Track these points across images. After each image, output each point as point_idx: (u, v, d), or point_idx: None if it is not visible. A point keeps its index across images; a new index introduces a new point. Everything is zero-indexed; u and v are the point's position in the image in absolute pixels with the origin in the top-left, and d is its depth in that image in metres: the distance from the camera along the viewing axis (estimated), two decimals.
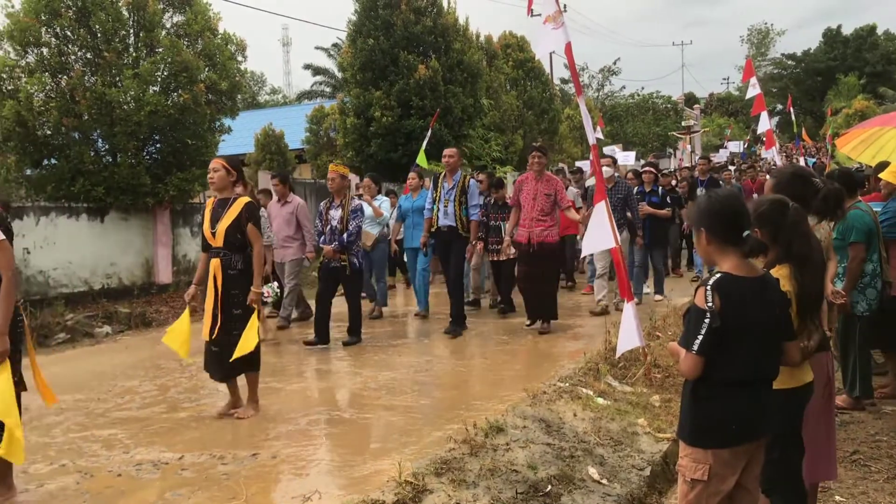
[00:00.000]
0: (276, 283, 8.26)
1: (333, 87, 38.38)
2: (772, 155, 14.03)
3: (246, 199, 5.38)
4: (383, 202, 9.61)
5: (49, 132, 11.89)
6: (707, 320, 2.78)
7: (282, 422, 5.27)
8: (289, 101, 46.26)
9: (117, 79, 11.73)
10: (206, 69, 12.38)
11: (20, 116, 11.35)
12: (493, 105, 20.73)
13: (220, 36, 12.87)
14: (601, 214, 6.43)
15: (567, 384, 5.85)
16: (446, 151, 8.35)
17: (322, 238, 7.81)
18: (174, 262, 12.77)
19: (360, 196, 9.38)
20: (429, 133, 13.70)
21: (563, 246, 8.50)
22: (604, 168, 8.28)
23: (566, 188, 10.92)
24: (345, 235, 7.58)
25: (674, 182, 12.82)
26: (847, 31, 64.33)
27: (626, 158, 15.42)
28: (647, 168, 10.79)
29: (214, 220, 5.31)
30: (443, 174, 8.42)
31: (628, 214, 9.27)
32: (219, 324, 5.20)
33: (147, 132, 12.01)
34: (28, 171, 12.44)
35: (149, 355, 7.81)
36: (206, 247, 5.40)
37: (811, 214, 3.99)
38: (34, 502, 4.00)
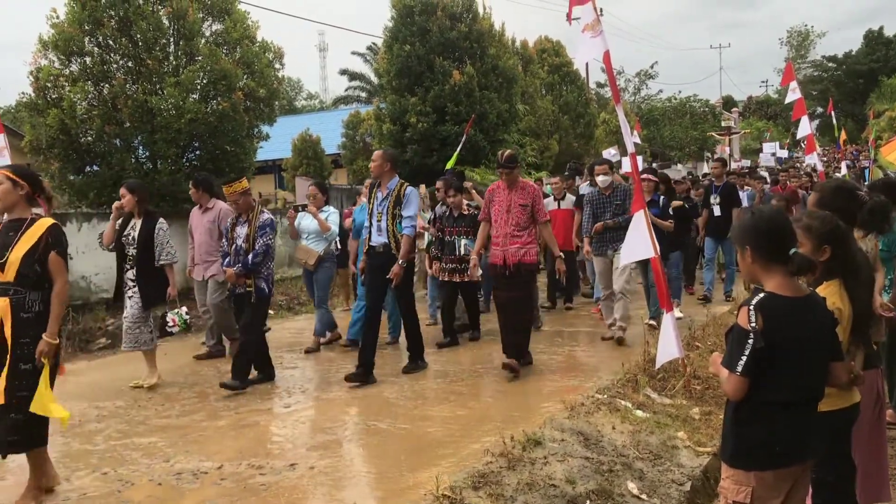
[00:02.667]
0: (183, 309, 6.98)
1: (369, 91, 38.60)
2: (813, 160, 13.79)
3: (49, 221, 4.17)
4: (331, 214, 8.18)
5: (91, 139, 12.15)
6: (750, 341, 2.73)
7: (318, 432, 5.28)
8: (325, 107, 46.62)
9: (158, 87, 11.93)
10: (245, 77, 12.55)
11: (64, 124, 11.60)
12: (529, 110, 20.69)
13: (258, 44, 13.04)
14: (640, 223, 6.36)
15: (605, 396, 5.79)
16: (374, 156, 6.94)
17: (227, 260, 6.79)
18: None
19: (304, 207, 8.21)
20: (463, 138, 13.71)
21: (537, 266, 6.97)
22: (599, 178, 8.06)
23: (562, 194, 10.12)
24: (249, 256, 6.56)
25: (689, 188, 11.79)
26: (889, 32, 63.27)
27: (611, 157, 14.61)
28: (645, 175, 8.99)
29: (3, 249, 4.09)
30: (377, 182, 6.94)
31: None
32: (3, 383, 4.00)
33: (187, 139, 12.19)
34: (71, 178, 12.70)
35: (187, 361, 7.89)
36: None
37: (857, 228, 3.90)
38: None
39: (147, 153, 12.51)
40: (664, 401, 5.98)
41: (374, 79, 31.30)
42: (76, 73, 12.08)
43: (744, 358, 2.73)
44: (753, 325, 2.74)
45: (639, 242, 6.38)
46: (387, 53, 18.00)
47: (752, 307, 2.77)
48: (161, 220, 6.86)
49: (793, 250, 2.84)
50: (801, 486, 2.91)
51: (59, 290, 4.13)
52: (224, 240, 6.96)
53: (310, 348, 8.16)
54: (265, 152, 15.80)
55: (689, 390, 6.19)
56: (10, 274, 4.04)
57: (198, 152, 12.81)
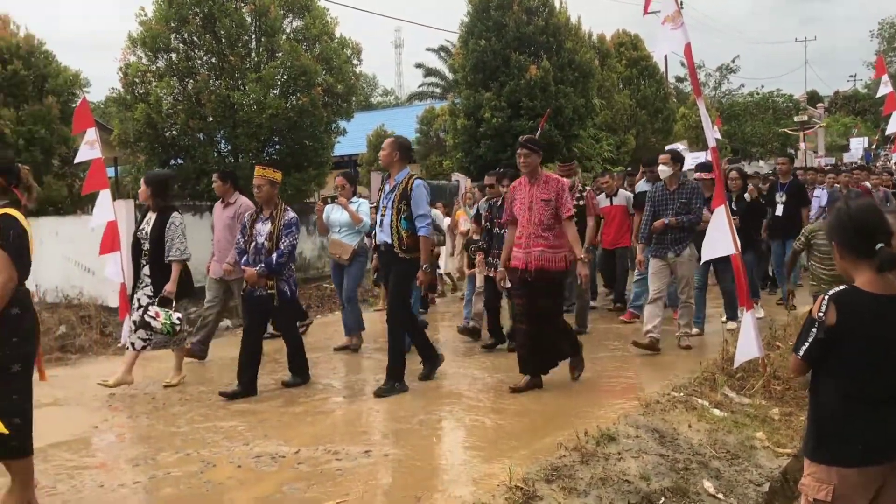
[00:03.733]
0: (176, 315, 6.40)
1: (444, 87, 38.74)
2: None
3: (2, 211, 3.71)
4: (361, 205, 7.78)
5: (176, 133, 12.56)
6: (814, 330, 2.77)
7: (392, 421, 5.36)
8: (400, 103, 47.01)
9: (240, 82, 12.25)
10: (324, 72, 12.76)
11: (150, 118, 12.02)
12: (605, 105, 20.43)
13: (336, 40, 13.25)
14: (721, 219, 6.23)
15: (682, 394, 5.70)
16: (384, 143, 6.36)
17: (245, 258, 6.35)
18: None
19: (333, 199, 7.92)
20: (538, 133, 13.63)
21: (566, 273, 6.23)
22: (660, 167, 7.52)
23: (614, 190, 9.62)
24: (273, 256, 6.15)
25: (761, 185, 10.90)
26: None
27: (696, 158, 13.93)
28: (697, 175, 8.55)
29: None
30: (386, 174, 6.42)
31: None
32: None
33: (267, 134, 12.48)
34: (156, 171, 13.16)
35: (267, 350, 8.07)
36: None
37: None
38: (162, 488, 4.21)
39: (229, 147, 12.85)
40: (742, 400, 5.86)
41: (449, 75, 31.40)
42: (162, 69, 12.50)
43: (806, 344, 2.80)
44: (822, 315, 2.75)
45: (720, 239, 6.26)
46: (462, 49, 18.02)
47: (827, 298, 2.77)
48: (175, 214, 6.55)
49: (879, 245, 2.75)
50: (890, 488, 2.81)
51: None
52: (241, 235, 6.49)
53: (343, 346, 7.89)
54: (342, 147, 16.04)
55: (769, 391, 6.05)
56: None
57: (277, 147, 13.10)
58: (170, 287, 6.37)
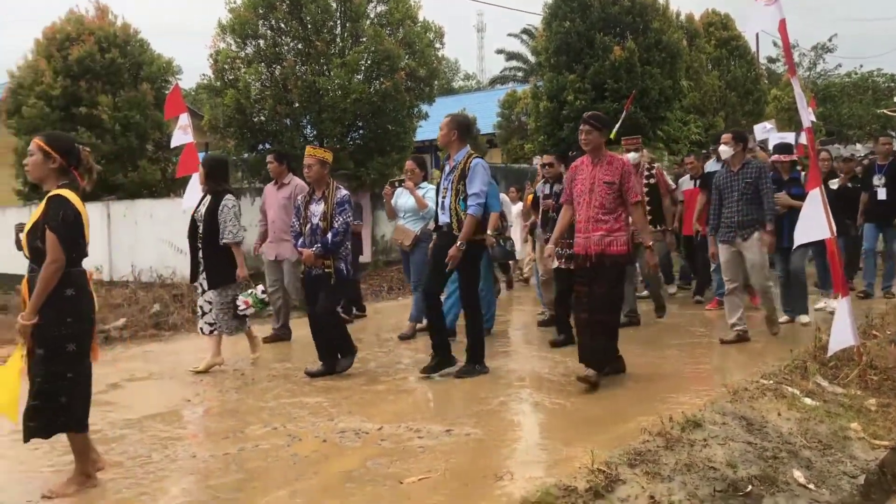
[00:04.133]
0: (259, 288, 6.66)
1: (526, 71, 38.44)
2: None
3: (55, 192, 3.80)
4: (429, 191, 7.56)
5: (264, 119, 12.84)
6: None
7: (473, 402, 5.37)
8: (482, 87, 46.88)
9: (325, 68, 12.43)
10: (407, 57, 12.83)
11: (239, 104, 12.33)
12: (693, 86, 19.86)
13: (419, 24, 13.29)
14: (816, 201, 6.00)
15: (771, 381, 5.53)
16: (442, 122, 6.12)
17: (301, 240, 6.36)
18: (373, 243, 13.38)
19: (401, 182, 7.84)
20: (623, 115, 13.39)
21: (628, 257, 5.81)
22: (721, 147, 7.11)
23: (700, 172, 9.22)
24: (329, 235, 6.13)
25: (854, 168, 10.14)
26: None
27: (765, 132, 12.47)
28: (775, 157, 8.05)
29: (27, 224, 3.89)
30: (446, 155, 6.33)
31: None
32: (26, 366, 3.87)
33: (351, 118, 12.65)
34: (245, 155, 13.51)
35: (350, 329, 8.24)
36: (26, 257, 3.95)
37: None
38: (251, 460, 4.34)
39: (314, 132, 13.08)
40: (836, 390, 5.64)
41: (532, 58, 31.10)
42: (251, 55, 12.80)
43: None
44: None
45: (814, 222, 6.03)
46: (546, 30, 17.80)
47: None
48: (228, 196, 6.53)
49: None
50: None
51: (44, 267, 3.70)
52: (295, 218, 6.49)
53: (404, 335, 7.76)
54: (423, 132, 16.10)
55: (865, 380, 5.81)
56: (26, 250, 3.86)
57: (361, 131, 13.26)
58: (241, 272, 6.47)
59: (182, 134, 9.48)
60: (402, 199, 7.80)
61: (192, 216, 6.64)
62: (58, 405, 3.77)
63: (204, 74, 13.71)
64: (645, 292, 9.09)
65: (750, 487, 4.01)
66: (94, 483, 3.97)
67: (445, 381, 5.98)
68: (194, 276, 6.64)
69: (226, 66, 12.73)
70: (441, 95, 19.14)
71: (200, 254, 6.55)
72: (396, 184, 8.04)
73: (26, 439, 3.85)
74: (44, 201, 3.78)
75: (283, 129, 12.75)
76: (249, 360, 6.83)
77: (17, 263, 16.51)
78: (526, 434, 4.73)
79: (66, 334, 3.75)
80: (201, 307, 6.56)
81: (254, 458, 4.36)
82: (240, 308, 6.43)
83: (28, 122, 14.34)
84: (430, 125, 18.99)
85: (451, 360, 6.11)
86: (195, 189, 8.72)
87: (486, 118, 24.73)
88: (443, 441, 4.52)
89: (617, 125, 12.77)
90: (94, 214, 13.23)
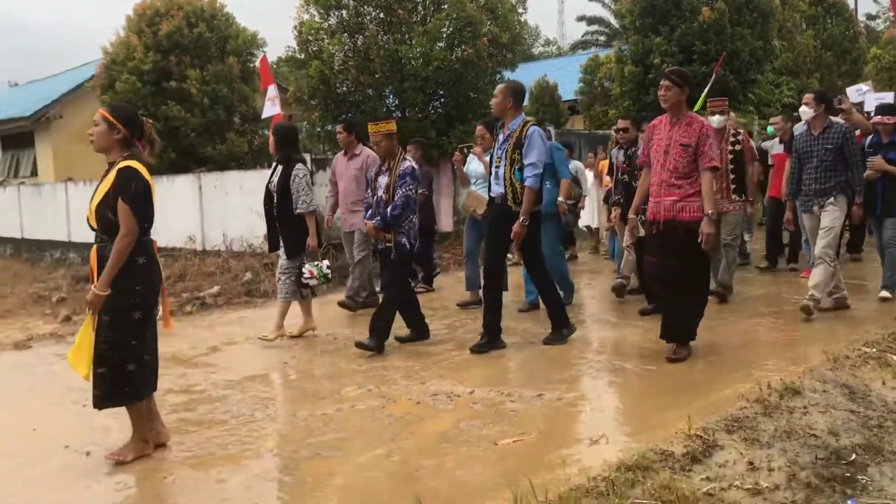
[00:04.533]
0: (325, 263, 6.50)
1: (608, 35, 37.61)
2: None
3: (124, 163, 3.82)
4: None
5: (347, 89, 12.97)
6: None
7: (564, 367, 5.37)
8: (562, 53, 46.13)
9: (407, 36, 12.43)
10: (489, 22, 12.71)
11: (323, 75, 12.48)
12: (786, 46, 19.05)
13: None
14: None
15: (874, 350, 5.34)
16: (496, 90, 5.89)
17: (369, 212, 6.26)
18: (454, 212, 13.41)
19: (470, 148, 7.58)
20: (712, 78, 12.97)
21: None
22: (802, 108, 6.66)
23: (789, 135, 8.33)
24: (388, 209, 5.98)
25: None
26: None
27: (860, 94, 11.36)
28: (877, 118, 7.32)
29: (94, 194, 3.93)
30: (501, 123, 6.03)
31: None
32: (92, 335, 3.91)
33: (433, 87, 12.64)
34: (329, 127, 13.68)
35: (436, 296, 8.33)
36: (92, 229, 3.98)
37: None
38: (348, 420, 4.45)
39: (396, 101, 13.14)
40: None
41: (615, 21, 30.41)
42: (334, 25, 12.91)
43: None
44: None
45: None
46: None
47: None
48: (299, 166, 6.44)
49: None
50: None
51: (118, 239, 3.74)
52: (368, 189, 6.40)
53: (464, 302, 7.60)
54: None
55: None
56: (94, 221, 3.88)
57: (443, 100, 13.25)
58: (311, 241, 6.40)
59: (271, 105, 9.67)
60: (473, 165, 7.67)
61: (267, 186, 6.59)
62: (125, 373, 3.82)
63: (289, 46, 13.93)
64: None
65: (854, 456, 3.90)
66: (150, 450, 4.00)
67: (535, 346, 5.98)
68: (274, 245, 6.62)
69: (310, 38, 12.88)
70: (521, 62, 18.93)
71: (277, 224, 6.53)
72: (465, 150, 7.89)
73: (99, 407, 3.91)
74: (113, 173, 3.80)
75: (366, 98, 12.86)
76: (289, 333, 6.64)
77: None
78: (618, 399, 4.71)
79: (134, 302, 3.80)
80: (279, 275, 6.57)
81: (351, 419, 4.48)
82: (304, 276, 6.34)
83: (121, 97, 14.88)
84: None
85: (500, 343, 5.92)
86: None
87: (568, 84, 24.34)
88: (534, 405, 4.54)
89: (706, 89, 12.38)
90: (185, 186, 13.70)
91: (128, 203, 3.75)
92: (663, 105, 5.35)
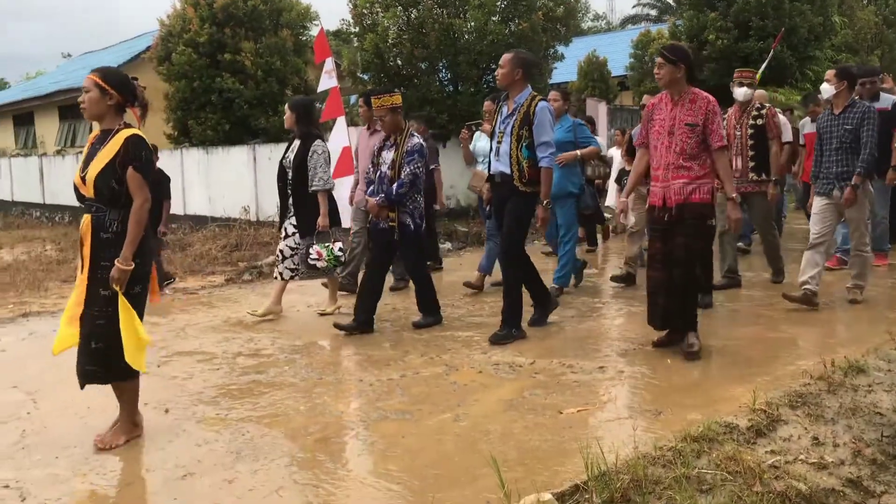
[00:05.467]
0: (337, 245, 6.25)
1: (659, 9, 36.98)
2: None
3: (129, 131, 3.73)
4: None
5: (401, 63, 13.01)
6: None
7: (624, 341, 5.42)
8: (612, 28, 45.49)
9: (461, 10, 12.42)
10: None
11: (378, 48, 12.54)
12: (846, 23, 18.63)
13: None
14: None
15: None
16: (502, 60, 5.45)
17: (370, 189, 6.04)
18: None
19: (479, 126, 7.23)
20: (769, 55, 12.76)
21: (712, 209, 4.95)
22: (823, 86, 6.37)
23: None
24: (394, 186, 5.75)
25: None
26: None
27: None
28: None
29: (88, 161, 3.74)
30: (504, 95, 5.64)
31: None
32: (81, 309, 3.75)
33: (486, 61, 12.62)
34: None
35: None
36: (80, 197, 3.81)
37: None
38: (413, 385, 4.57)
39: (449, 75, 13.16)
40: None
41: None
42: None
43: None
44: None
45: None
46: None
47: None
48: (318, 142, 6.21)
49: None
50: None
51: (137, 208, 3.66)
52: (370, 166, 6.08)
53: (470, 283, 7.27)
54: (558, 74, 15.89)
55: None
56: (90, 190, 3.69)
57: (495, 74, 13.22)
58: (322, 221, 6.18)
59: (328, 78, 9.73)
60: (481, 143, 7.41)
61: (281, 162, 6.38)
62: (122, 349, 3.66)
63: (343, 19, 14.01)
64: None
65: None
66: (140, 433, 3.92)
67: (594, 320, 6.05)
68: (283, 221, 6.42)
69: (364, 11, 12.94)
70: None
71: (290, 200, 6.32)
72: (473, 127, 7.64)
73: (83, 384, 3.79)
74: (119, 140, 3.67)
75: (419, 73, 12.89)
76: (318, 311, 6.69)
77: (177, 204, 17.32)
78: (680, 374, 4.74)
79: (134, 275, 3.67)
80: (282, 251, 6.35)
81: (416, 384, 4.59)
82: (311, 256, 6.13)
83: (177, 69, 15.13)
84: (566, 66, 18.71)
85: (520, 332, 5.54)
86: (341, 132, 9.00)
87: (618, 60, 24.06)
88: (596, 377, 4.61)
89: (763, 66, 12.19)
90: (240, 158, 13.94)
91: (140, 171, 3.68)
92: (660, 84, 5.03)
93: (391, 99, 5.82)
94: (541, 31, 12.51)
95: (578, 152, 6.79)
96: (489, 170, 5.65)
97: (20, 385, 4.77)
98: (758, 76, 11.86)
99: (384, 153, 5.91)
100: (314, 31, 15.38)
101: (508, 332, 5.47)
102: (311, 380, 4.76)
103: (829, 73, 6.38)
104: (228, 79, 15.02)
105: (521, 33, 12.29)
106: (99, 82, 3.72)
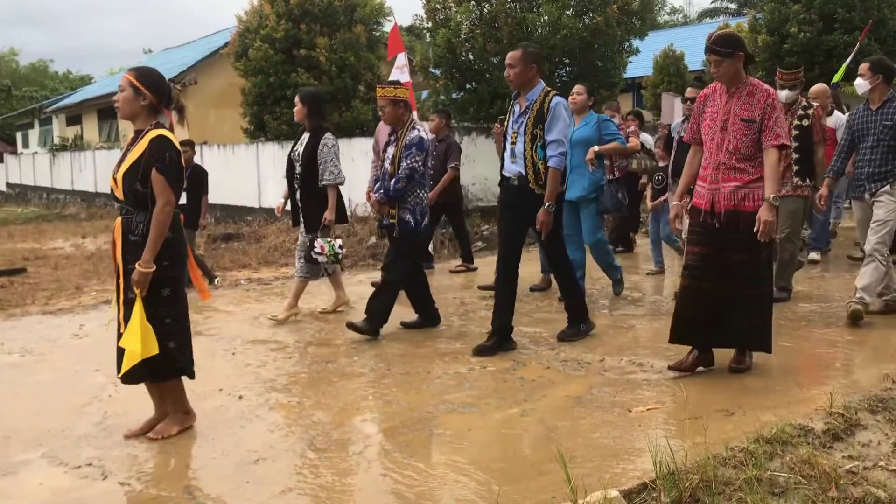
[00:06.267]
0: (338, 242, 6.07)
1: (739, 3, 36.06)
2: None
3: (154, 132, 3.65)
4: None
5: (472, 58, 13.02)
6: None
7: None
8: (689, 21, 44.56)
9: (535, 4, 12.35)
10: None
11: (450, 43, 12.58)
12: None
13: None
14: None
15: None
16: (510, 57, 5.07)
17: (377, 185, 5.90)
18: None
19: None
20: (855, 49, 12.28)
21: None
22: (857, 81, 5.84)
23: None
24: (392, 182, 5.57)
25: None
26: None
27: None
28: None
29: (120, 162, 3.72)
30: (516, 93, 5.26)
31: None
32: (120, 310, 3.73)
33: (559, 55, 12.53)
34: (453, 95, 13.79)
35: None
36: (115, 199, 3.78)
37: None
38: (480, 379, 4.60)
39: None
40: None
41: None
42: None
43: None
44: None
45: None
46: None
47: None
48: (328, 135, 6.06)
49: None
50: None
51: (158, 211, 3.57)
52: (380, 162, 5.91)
53: (536, 286, 7.11)
54: (633, 68, 15.65)
55: None
56: (119, 191, 3.67)
57: (568, 68, 13.12)
58: (328, 215, 6.04)
59: (400, 73, 9.82)
60: None
61: (289, 156, 6.23)
62: (166, 351, 3.65)
63: (416, 15, 14.10)
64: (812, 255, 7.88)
65: None
66: (193, 419, 3.96)
67: (664, 319, 5.94)
68: (297, 218, 6.29)
69: (437, 6, 12.99)
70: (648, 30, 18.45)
71: (298, 195, 6.20)
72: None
73: (126, 382, 3.78)
74: (144, 141, 3.63)
75: (491, 67, 12.87)
76: (319, 309, 6.63)
77: (245, 197, 17.81)
78: (754, 375, 4.62)
79: (161, 278, 3.62)
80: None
81: (483, 378, 4.62)
82: (315, 250, 5.95)
83: (254, 65, 15.49)
84: (641, 61, 18.42)
85: (510, 343, 5.24)
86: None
87: (695, 54, 23.58)
88: (666, 376, 4.55)
89: (847, 60, 11.74)
90: None
91: (163, 173, 3.59)
92: (722, 77, 4.43)
93: (394, 90, 5.73)
94: (615, 24, 12.33)
95: (596, 148, 6.38)
96: (502, 170, 5.31)
97: (102, 369, 4.95)
98: (841, 71, 11.52)
99: (388, 149, 5.78)
100: (387, 27, 15.54)
101: (577, 329, 5.39)
102: (380, 371, 4.83)
103: (863, 67, 5.84)
104: (303, 74, 15.29)
105: (595, 27, 12.15)
106: (133, 82, 3.69)
